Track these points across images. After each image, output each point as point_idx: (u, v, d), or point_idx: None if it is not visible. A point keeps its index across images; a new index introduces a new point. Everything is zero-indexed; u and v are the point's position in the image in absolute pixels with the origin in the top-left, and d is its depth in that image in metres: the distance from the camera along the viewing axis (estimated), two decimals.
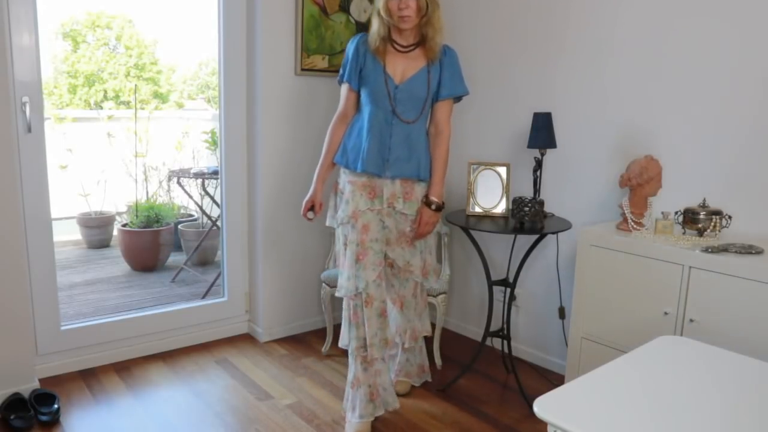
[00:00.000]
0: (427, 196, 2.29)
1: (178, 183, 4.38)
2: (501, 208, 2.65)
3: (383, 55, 2.23)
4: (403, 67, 2.24)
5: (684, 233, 2.23)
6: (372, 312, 2.28)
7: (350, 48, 2.30)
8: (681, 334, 2.07)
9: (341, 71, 2.34)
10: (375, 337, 2.29)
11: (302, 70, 3.03)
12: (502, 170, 2.66)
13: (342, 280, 2.30)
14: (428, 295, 2.81)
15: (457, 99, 2.36)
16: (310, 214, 2.40)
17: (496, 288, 2.77)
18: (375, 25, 2.23)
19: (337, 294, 2.34)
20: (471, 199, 2.66)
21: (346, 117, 2.36)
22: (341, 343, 2.42)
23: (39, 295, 2.60)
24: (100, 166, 4.96)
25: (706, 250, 2.03)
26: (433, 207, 2.28)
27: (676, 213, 2.27)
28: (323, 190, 2.39)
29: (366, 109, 2.28)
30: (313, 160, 3.12)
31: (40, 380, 2.60)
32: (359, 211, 2.26)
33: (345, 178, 2.33)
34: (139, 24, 5.89)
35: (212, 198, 4.23)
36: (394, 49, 2.25)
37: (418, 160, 2.27)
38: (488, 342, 3.04)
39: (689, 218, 2.19)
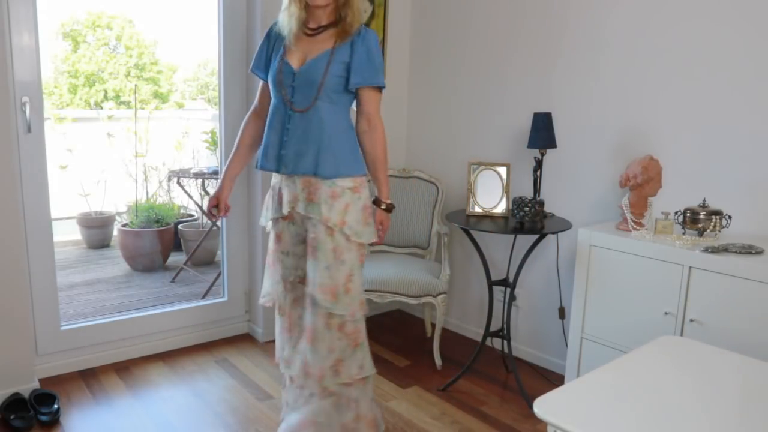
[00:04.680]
0: (376, 198, 2.04)
1: (178, 183, 4.38)
2: (501, 208, 2.65)
3: (290, 40, 1.96)
4: (305, 51, 1.94)
5: (684, 233, 2.22)
6: (281, 323, 2.11)
7: (265, 35, 2.07)
8: (681, 334, 2.07)
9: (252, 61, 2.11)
10: (282, 351, 2.12)
11: None
12: (502, 170, 2.67)
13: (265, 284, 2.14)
14: (428, 295, 2.81)
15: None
16: (214, 210, 2.15)
17: (496, 288, 2.77)
18: (286, 3, 1.96)
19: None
20: (471, 199, 2.66)
21: (259, 111, 2.10)
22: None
23: (39, 295, 2.60)
24: (100, 166, 4.96)
25: (706, 250, 2.03)
26: (383, 207, 2.02)
27: (676, 213, 2.27)
28: (230, 188, 2.14)
29: (271, 103, 2.04)
30: None
31: (40, 380, 2.60)
32: (273, 219, 2.07)
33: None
34: (140, 24, 5.90)
35: None
36: (302, 33, 1.96)
37: (316, 155, 1.93)
38: (488, 342, 3.03)
39: (689, 218, 2.19)
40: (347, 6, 1.92)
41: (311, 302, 1.97)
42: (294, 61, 1.94)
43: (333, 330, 1.97)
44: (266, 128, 2.02)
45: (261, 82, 2.08)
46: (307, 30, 1.96)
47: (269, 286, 2.10)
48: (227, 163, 2.13)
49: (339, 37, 1.93)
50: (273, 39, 2.02)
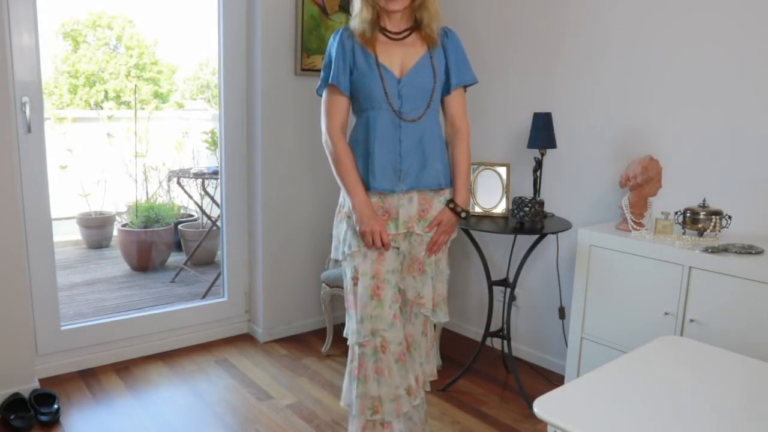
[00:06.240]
0: (452, 200, 1.91)
1: (178, 183, 4.38)
2: (501, 208, 2.65)
3: (373, 45, 1.82)
4: (401, 57, 1.83)
5: (684, 233, 2.22)
6: (390, 359, 1.87)
7: (332, 45, 1.87)
8: (681, 334, 2.07)
9: (323, 74, 1.89)
10: (398, 389, 1.88)
11: (302, 70, 3.03)
12: (502, 170, 2.67)
13: (352, 323, 1.90)
14: None
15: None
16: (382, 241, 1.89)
17: (496, 288, 2.77)
18: (359, 9, 1.83)
19: (349, 341, 1.92)
20: (471, 199, 2.66)
21: (344, 130, 1.90)
22: (343, 402, 1.98)
23: (39, 295, 2.60)
24: (100, 166, 4.96)
25: (706, 250, 2.03)
26: (462, 214, 1.91)
27: (676, 213, 2.26)
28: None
29: (365, 116, 1.87)
30: (313, 161, 3.14)
31: (40, 380, 2.60)
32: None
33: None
34: (140, 24, 5.90)
35: (212, 198, 4.23)
36: (386, 38, 1.85)
37: (435, 166, 1.87)
38: (488, 342, 3.03)
39: (689, 218, 2.19)
40: (423, 8, 1.84)
41: (413, 313, 1.97)
42: (394, 69, 1.83)
43: (425, 335, 2.02)
44: (370, 144, 1.84)
45: (336, 96, 1.87)
46: (390, 34, 1.86)
47: (386, 318, 1.85)
48: (359, 199, 1.84)
49: (428, 43, 1.87)
50: (349, 47, 1.85)
